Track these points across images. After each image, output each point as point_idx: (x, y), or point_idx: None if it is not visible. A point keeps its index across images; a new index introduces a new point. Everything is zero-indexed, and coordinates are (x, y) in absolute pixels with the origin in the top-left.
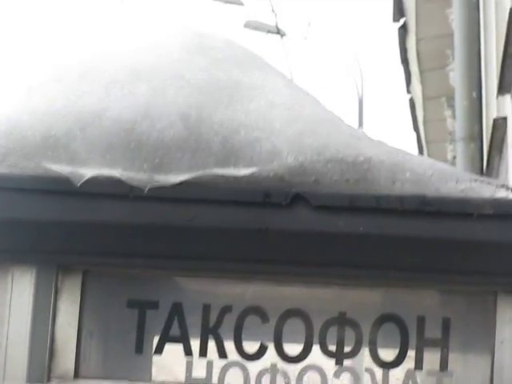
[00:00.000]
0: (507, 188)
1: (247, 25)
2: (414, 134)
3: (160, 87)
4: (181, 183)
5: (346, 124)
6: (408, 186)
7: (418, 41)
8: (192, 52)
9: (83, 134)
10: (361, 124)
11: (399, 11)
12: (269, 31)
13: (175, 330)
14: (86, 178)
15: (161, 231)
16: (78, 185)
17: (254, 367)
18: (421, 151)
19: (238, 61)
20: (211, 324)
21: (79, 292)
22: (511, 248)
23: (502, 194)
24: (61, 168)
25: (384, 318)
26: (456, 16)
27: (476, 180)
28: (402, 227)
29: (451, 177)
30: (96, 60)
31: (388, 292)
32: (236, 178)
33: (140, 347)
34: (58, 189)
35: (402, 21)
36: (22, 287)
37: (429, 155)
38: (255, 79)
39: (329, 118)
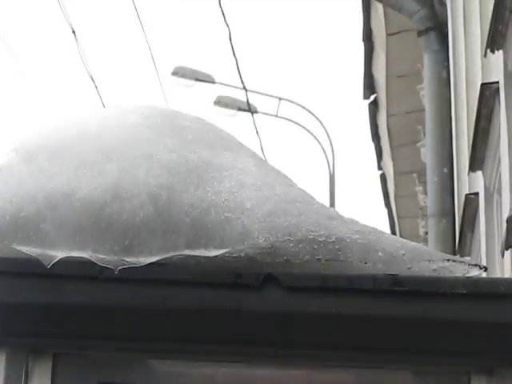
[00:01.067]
0: (480, 267)
1: (217, 102)
2: (386, 210)
3: (130, 168)
4: (151, 264)
5: (318, 203)
6: (380, 265)
7: (388, 117)
8: (162, 132)
9: (53, 215)
10: (332, 200)
11: (369, 87)
12: (239, 108)
13: None
14: (57, 259)
15: (132, 313)
16: (48, 266)
17: None
18: (392, 227)
19: (208, 141)
20: None
21: (50, 375)
22: (484, 327)
23: (474, 272)
24: (31, 250)
25: None
26: (427, 92)
27: (448, 259)
28: (374, 307)
29: (423, 256)
30: (66, 140)
31: (361, 372)
32: (207, 259)
33: None
34: (28, 271)
35: (372, 97)
36: None
37: (400, 231)
38: (225, 160)
39: (300, 198)
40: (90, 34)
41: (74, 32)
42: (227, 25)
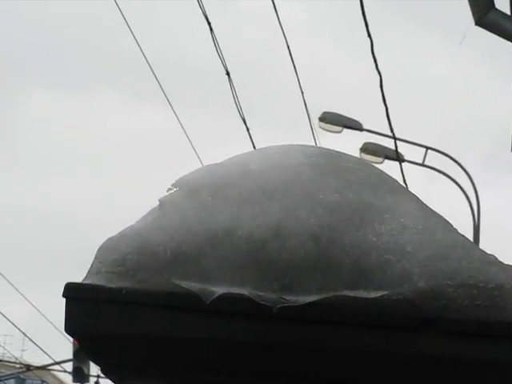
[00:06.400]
0: None
1: (364, 149)
2: None
3: (292, 207)
4: (310, 304)
5: (478, 248)
6: None
7: None
8: (325, 173)
9: (214, 252)
10: None
11: None
12: (386, 156)
13: None
14: (216, 295)
15: (289, 352)
16: (208, 302)
17: None
18: None
19: (370, 183)
20: None
21: None
22: None
23: None
24: (190, 285)
25: None
26: None
27: None
28: None
29: None
30: (229, 178)
31: None
32: (366, 301)
33: None
34: (188, 305)
35: None
36: None
37: None
38: (387, 202)
39: (460, 243)
40: (242, 75)
41: (228, 73)
42: (379, 72)
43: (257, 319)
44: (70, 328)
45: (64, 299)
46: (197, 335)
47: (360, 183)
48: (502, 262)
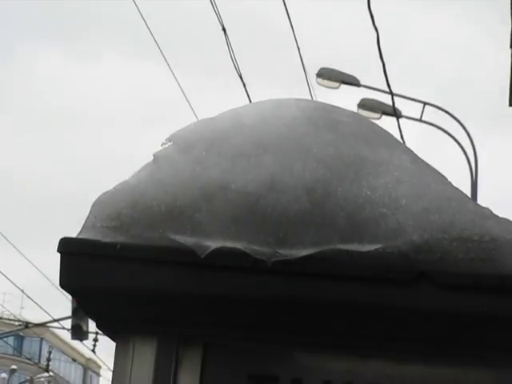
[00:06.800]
0: None
1: (362, 104)
2: None
3: (286, 161)
4: (304, 258)
5: (473, 202)
6: None
7: None
8: (319, 126)
9: (208, 206)
10: None
11: None
12: (384, 112)
13: None
14: (211, 249)
15: (283, 305)
16: (202, 256)
17: None
18: None
19: (364, 136)
20: None
21: (199, 364)
22: None
23: None
24: (185, 239)
25: None
26: None
27: None
28: None
29: None
30: (222, 132)
31: (502, 373)
32: (360, 254)
33: None
34: (182, 260)
35: None
36: (142, 357)
37: None
38: (381, 155)
39: (455, 196)
40: (239, 33)
41: (224, 29)
42: (376, 28)
43: (252, 273)
44: (64, 282)
45: (59, 254)
46: (191, 290)
47: (354, 137)
48: (496, 216)
